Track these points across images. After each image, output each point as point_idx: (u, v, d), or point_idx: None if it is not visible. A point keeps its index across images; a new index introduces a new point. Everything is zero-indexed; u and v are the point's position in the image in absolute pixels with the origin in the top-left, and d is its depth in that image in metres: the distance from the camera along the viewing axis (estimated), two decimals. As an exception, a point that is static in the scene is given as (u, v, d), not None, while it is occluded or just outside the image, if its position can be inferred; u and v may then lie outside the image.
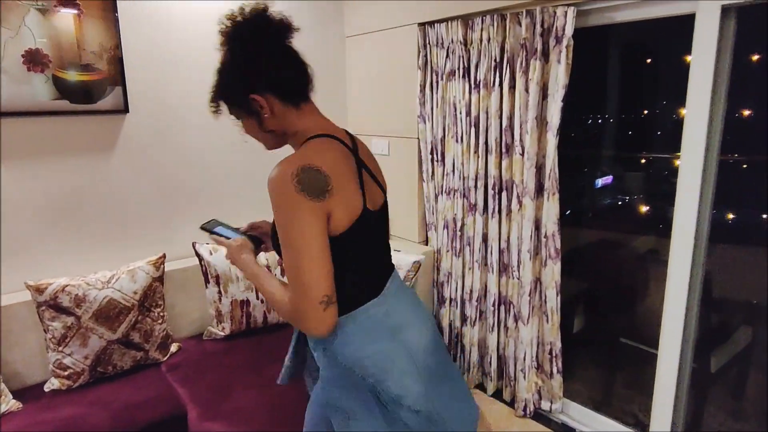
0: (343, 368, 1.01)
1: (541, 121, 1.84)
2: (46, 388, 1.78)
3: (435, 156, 2.28)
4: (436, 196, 2.33)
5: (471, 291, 2.19)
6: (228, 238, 1.19)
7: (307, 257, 0.88)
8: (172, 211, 2.23)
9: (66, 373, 1.78)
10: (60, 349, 1.76)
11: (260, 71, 0.97)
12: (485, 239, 2.12)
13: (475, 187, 2.08)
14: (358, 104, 2.68)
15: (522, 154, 1.89)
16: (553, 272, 1.91)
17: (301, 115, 1.02)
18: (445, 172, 2.22)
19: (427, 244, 2.45)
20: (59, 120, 1.89)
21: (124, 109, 2.00)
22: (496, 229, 2.04)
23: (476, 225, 2.11)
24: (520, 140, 1.89)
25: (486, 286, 2.15)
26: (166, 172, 2.19)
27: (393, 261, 1.15)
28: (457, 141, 2.13)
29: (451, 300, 2.30)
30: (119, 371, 1.87)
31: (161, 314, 1.98)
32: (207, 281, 2.11)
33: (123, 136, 2.05)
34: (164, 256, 2.03)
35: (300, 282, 0.90)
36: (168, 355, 2.00)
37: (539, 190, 1.91)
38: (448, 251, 2.27)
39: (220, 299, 2.11)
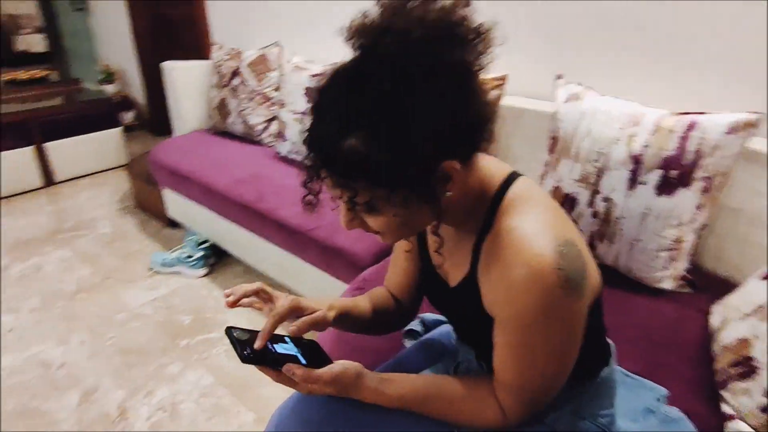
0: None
1: None
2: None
3: None
4: None
5: None
6: (289, 356, 0.64)
7: (563, 363, 0.62)
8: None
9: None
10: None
11: (462, 119, 0.54)
12: None
13: None
14: None
15: None
16: None
17: (469, 163, 0.59)
18: None
19: None
20: None
21: None
22: None
23: None
24: None
25: None
26: None
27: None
28: None
29: None
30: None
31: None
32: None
33: None
34: (504, 78, 1.38)
35: (543, 389, 0.64)
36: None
37: None
38: None
39: (548, 174, 1.32)
